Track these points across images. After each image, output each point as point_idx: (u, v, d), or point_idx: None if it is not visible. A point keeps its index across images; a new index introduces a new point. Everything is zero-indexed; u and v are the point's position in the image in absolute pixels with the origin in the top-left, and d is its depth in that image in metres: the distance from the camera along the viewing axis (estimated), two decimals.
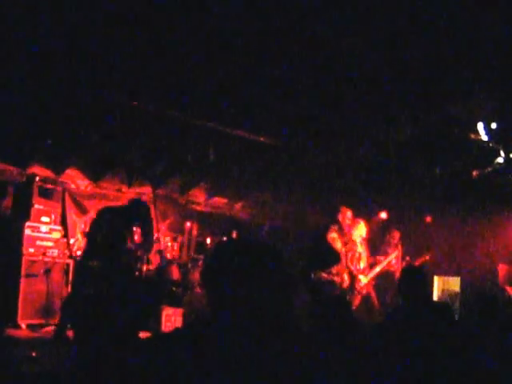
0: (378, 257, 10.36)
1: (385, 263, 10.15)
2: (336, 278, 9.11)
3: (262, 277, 2.08)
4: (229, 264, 2.12)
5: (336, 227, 9.20)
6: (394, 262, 10.65)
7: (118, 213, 7.78)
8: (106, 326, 6.48)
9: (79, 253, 9.41)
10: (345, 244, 9.31)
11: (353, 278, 9.73)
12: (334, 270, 9.12)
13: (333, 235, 9.12)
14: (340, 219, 9.27)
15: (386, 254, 10.60)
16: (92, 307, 6.84)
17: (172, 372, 1.98)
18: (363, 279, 9.73)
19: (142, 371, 2.03)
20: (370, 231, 10.06)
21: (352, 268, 9.75)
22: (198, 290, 9.74)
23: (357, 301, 9.66)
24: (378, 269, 10.00)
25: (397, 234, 11.18)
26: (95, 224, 7.69)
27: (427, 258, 11.08)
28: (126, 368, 2.11)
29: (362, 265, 9.85)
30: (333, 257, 9.12)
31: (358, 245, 9.87)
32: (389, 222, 11.46)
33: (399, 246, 10.97)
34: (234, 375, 1.94)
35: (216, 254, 2.22)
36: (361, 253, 9.88)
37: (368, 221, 10.34)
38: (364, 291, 9.75)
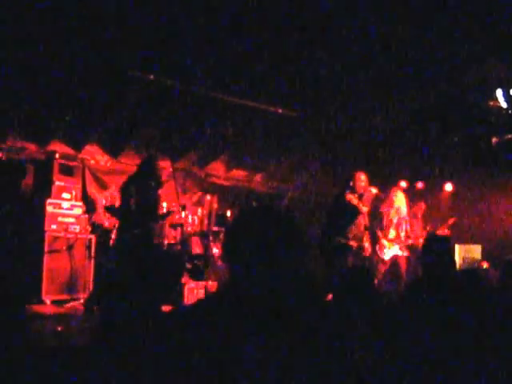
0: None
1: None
2: (352, 243, 8.85)
3: (278, 242, 2.10)
4: (246, 231, 2.14)
5: (351, 192, 8.96)
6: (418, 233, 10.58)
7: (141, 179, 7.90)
8: (130, 300, 6.53)
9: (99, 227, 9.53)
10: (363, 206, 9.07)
11: (377, 245, 9.71)
12: (351, 233, 8.88)
13: (349, 196, 8.87)
14: (352, 184, 8.99)
15: (411, 226, 10.53)
16: (115, 281, 6.89)
17: (194, 343, 2.00)
18: (386, 244, 9.71)
19: (164, 344, 2.06)
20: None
21: (380, 234, 9.74)
22: (219, 262, 9.79)
23: (383, 268, 9.64)
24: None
25: (423, 206, 11.12)
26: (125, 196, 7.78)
27: (450, 223, 11.06)
28: (149, 341, 2.13)
29: (393, 233, 9.84)
30: (347, 217, 8.89)
31: (392, 213, 9.85)
32: (410, 192, 11.43)
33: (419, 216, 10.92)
34: (255, 344, 1.96)
35: (234, 223, 2.25)
36: (391, 220, 9.86)
37: (388, 189, 10.33)
38: (391, 259, 9.73)
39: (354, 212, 8.69)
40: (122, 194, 7.91)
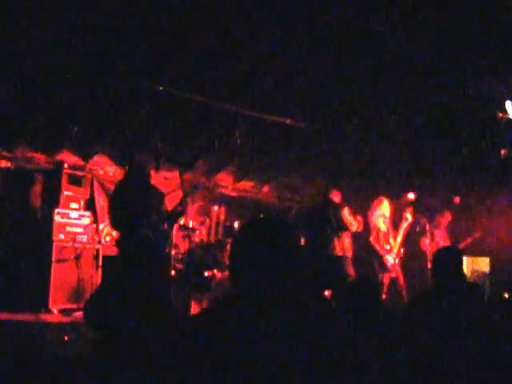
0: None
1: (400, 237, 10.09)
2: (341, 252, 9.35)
3: (279, 252, 2.11)
4: (249, 241, 2.15)
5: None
6: (426, 243, 10.49)
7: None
8: (128, 309, 6.45)
9: (108, 238, 9.53)
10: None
11: (379, 258, 9.78)
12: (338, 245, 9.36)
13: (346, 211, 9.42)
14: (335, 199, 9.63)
15: (433, 237, 10.50)
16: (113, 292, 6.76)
17: (199, 351, 2.01)
18: (390, 258, 9.74)
19: (170, 353, 2.07)
20: (395, 211, 10.11)
21: (377, 248, 9.78)
22: (226, 273, 9.77)
23: (386, 280, 9.71)
24: (398, 240, 10.00)
25: (448, 216, 11.01)
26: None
27: (476, 236, 11.00)
28: (151, 351, 2.15)
29: (389, 244, 9.87)
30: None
31: (381, 224, 9.88)
32: (417, 204, 11.38)
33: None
34: (257, 352, 1.96)
35: (237, 234, 2.27)
36: (385, 232, 9.90)
37: (396, 201, 10.33)
38: (393, 271, 9.77)
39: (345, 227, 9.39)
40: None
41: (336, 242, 9.29)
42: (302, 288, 2.18)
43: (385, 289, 9.67)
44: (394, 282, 9.76)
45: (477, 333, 4.37)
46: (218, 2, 6.95)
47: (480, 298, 4.86)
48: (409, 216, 10.08)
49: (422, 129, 10.02)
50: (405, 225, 10.06)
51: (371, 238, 9.81)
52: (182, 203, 7.80)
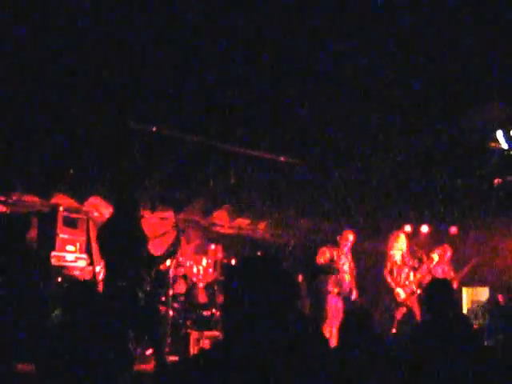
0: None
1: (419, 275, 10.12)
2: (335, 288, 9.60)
3: (272, 291, 2.08)
4: (240, 281, 2.14)
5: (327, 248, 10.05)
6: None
7: None
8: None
9: None
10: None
11: (390, 291, 9.84)
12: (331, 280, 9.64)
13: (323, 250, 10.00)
14: (339, 241, 10.10)
15: (430, 272, 10.43)
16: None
17: None
18: (401, 292, 9.77)
19: None
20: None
21: (389, 280, 9.83)
22: None
23: (399, 314, 9.75)
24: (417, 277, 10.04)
25: (448, 249, 10.87)
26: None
27: (474, 262, 10.94)
28: None
29: (403, 278, 9.90)
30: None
31: (398, 257, 9.96)
32: (416, 236, 11.42)
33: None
34: None
35: (227, 275, 2.26)
36: (400, 265, 9.95)
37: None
38: (406, 304, 9.79)
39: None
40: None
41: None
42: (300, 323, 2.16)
43: (395, 323, 9.71)
44: (410, 315, 9.77)
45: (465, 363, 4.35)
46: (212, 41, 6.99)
47: (467, 329, 4.85)
48: (435, 257, 10.20)
49: (417, 162, 10.06)
50: (429, 265, 10.18)
51: (385, 271, 9.92)
52: (175, 244, 7.61)
